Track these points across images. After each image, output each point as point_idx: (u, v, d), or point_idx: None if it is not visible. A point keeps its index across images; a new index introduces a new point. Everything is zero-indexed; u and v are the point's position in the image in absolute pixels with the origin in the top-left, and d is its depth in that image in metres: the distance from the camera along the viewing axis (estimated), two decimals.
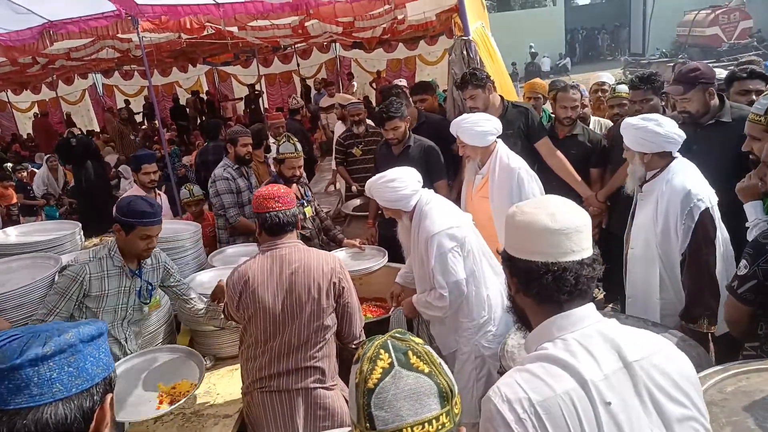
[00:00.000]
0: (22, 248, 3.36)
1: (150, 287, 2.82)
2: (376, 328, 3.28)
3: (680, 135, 2.75)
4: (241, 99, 15.80)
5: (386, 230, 4.13)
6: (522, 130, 4.05)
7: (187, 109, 15.49)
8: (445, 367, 1.09)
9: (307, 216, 4.09)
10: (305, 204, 4.08)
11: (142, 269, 2.75)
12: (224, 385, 2.95)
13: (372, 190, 3.03)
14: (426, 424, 1.01)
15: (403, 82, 7.68)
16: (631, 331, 1.33)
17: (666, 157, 2.82)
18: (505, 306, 3.09)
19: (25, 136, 16.17)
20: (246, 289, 2.47)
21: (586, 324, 1.30)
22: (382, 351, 1.04)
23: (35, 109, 16.96)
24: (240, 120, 12.86)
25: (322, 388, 2.54)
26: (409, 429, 1.00)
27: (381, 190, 2.97)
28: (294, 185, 4.02)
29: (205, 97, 16.32)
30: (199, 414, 2.72)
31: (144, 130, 14.10)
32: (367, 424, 1.01)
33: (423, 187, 3.04)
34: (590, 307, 1.33)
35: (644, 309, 2.88)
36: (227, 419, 2.66)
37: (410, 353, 1.05)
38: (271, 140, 6.01)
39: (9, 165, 10.62)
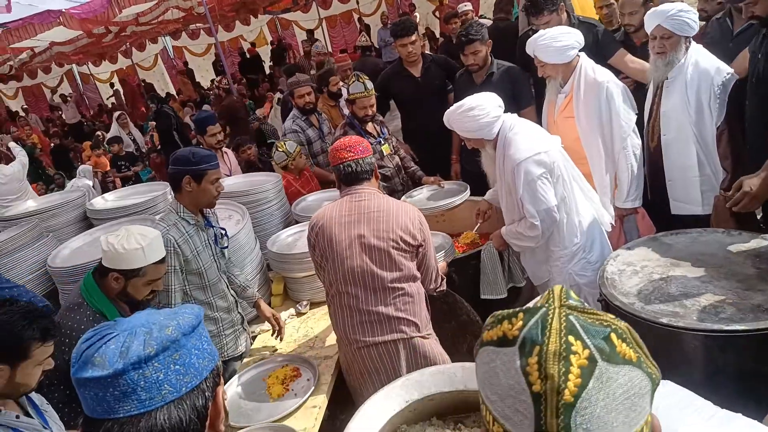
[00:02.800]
0: (120, 212, 3.55)
1: (223, 231, 2.87)
2: (464, 263, 3.23)
3: None
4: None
5: (470, 164, 3.99)
6: (592, 49, 3.71)
7: (261, 62, 15.63)
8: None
9: (385, 154, 4.02)
10: (382, 142, 4.00)
11: (208, 219, 2.78)
12: (321, 329, 3.04)
13: (451, 121, 2.90)
14: None
15: (468, 7, 7.28)
16: None
17: (688, 43, 3.02)
18: (599, 231, 2.95)
19: (109, 106, 17.03)
20: (321, 231, 2.45)
21: None
22: (571, 338, 0.68)
23: (114, 79, 17.74)
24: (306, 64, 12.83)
25: (419, 337, 2.47)
26: None
27: (460, 120, 2.83)
28: (370, 123, 3.94)
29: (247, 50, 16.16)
30: (301, 357, 2.82)
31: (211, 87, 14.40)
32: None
33: (506, 112, 2.88)
34: None
35: (684, 189, 3.13)
36: (328, 360, 2.75)
37: (613, 337, 0.70)
38: (341, 84, 5.92)
39: (99, 133, 11.21)
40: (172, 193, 3.92)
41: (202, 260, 2.68)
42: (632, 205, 3.24)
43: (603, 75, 3.17)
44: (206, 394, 0.91)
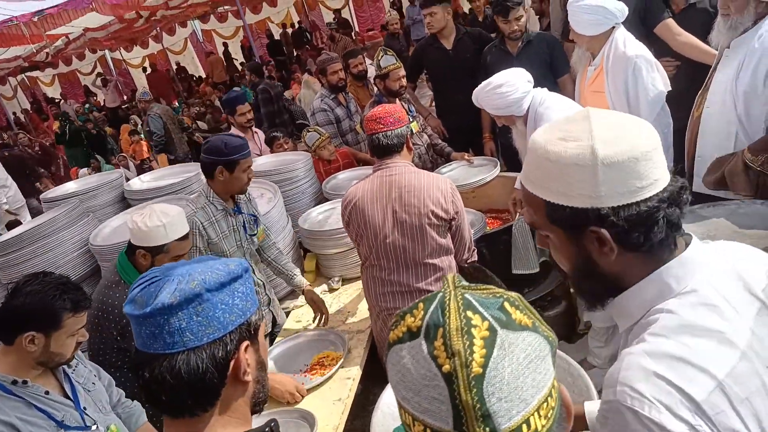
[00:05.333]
0: (156, 192, 3.65)
1: (253, 218, 2.91)
2: (495, 238, 3.23)
3: None
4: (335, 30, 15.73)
5: (506, 138, 3.95)
6: (640, 14, 3.58)
7: (284, 46, 15.69)
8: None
9: (414, 132, 4.02)
10: (410, 119, 4.00)
11: (239, 205, 2.83)
12: (353, 304, 3.09)
13: (479, 99, 2.88)
14: (548, 399, 0.71)
15: None
16: (735, 248, 1.11)
17: (762, 7, 2.51)
18: None
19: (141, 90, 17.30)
20: (355, 208, 2.49)
21: (702, 262, 1.02)
22: (469, 313, 0.70)
23: (146, 63, 18.00)
24: (330, 48, 12.82)
25: None
26: (535, 416, 0.69)
27: (489, 97, 2.81)
28: (397, 101, 3.94)
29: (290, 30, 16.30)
30: (335, 331, 2.88)
31: (242, 71, 14.51)
32: (486, 428, 0.67)
33: (540, 83, 2.84)
34: (691, 237, 1.04)
35: None
36: (361, 334, 2.80)
37: (507, 305, 0.72)
38: (369, 62, 5.90)
39: (135, 117, 11.40)
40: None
41: (227, 244, 2.74)
42: None
43: (634, 49, 3.01)
44: (228, 347, 0.96)
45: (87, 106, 15.86)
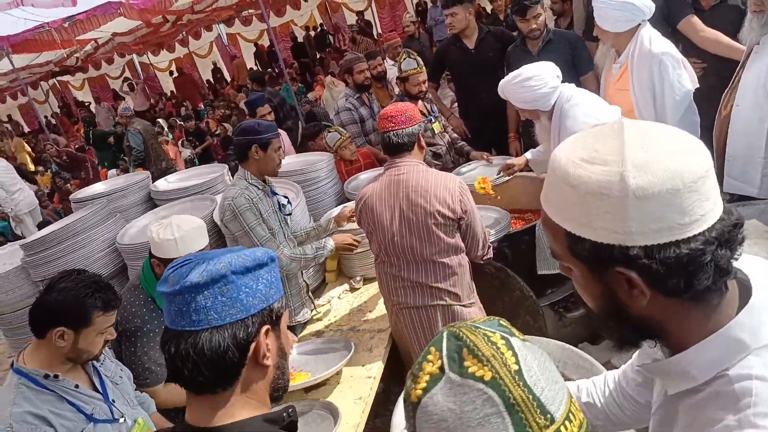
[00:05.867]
0: (181, 192, 3.71)
1: (286, 198, 2.94)
2: (517, 238, 3.20)
3: None
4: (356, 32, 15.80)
5: (529, 138, 3.91)
6: (663, 10, 3.49)
7: (307, 47, 15.81)
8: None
9: (436, 132, 4.00)
10: (433, 120, 3.99)
11: (271, 187, 2.87)
12: (374, 303, 3.10)
13: (506, 91, 2.85)
14: (571, 395, 0.76)
15: None
16: None
17: None
18: None
19: (168, 94, 17.61)
20: (365, 206, 2.54)
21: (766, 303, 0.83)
22: (482, 331, 0.77)
23: (173, 67, 18.29)
24: (351, 50, 12.89)
25: (459, 305, 2.52)
26: (573, 407, 0.73)
27: (516, 90, 2.78)
28: (420, 102, 3.93)
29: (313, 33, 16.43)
30: (356, 329, 2.90)
31: (269, 73, 14.66)
32: (546, 417, 0.69)
33: (565, 80, 2.81)
34: (746, 275, 0.87)
35: (743, 167, 2.75)
36: (381, 333, 2.81)
37: (503, 323, 0.81)
38: (390, 63, 5.91)
39: (161, 121, 11.64)
40: (229, 174, 4.08)
41: (272, 224, 2.77)
42: None
43: (660, 46, 2.96)
44: (249, 329, 1.00)
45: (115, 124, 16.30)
